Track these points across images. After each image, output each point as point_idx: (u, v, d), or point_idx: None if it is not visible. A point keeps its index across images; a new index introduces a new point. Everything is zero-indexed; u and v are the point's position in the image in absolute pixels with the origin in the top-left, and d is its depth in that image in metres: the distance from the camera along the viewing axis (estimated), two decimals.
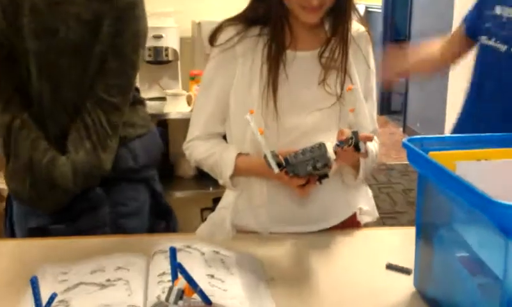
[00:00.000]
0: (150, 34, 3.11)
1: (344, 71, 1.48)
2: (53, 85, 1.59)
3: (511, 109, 1.83)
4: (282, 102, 1.46)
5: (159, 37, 3.25)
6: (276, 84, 1.45)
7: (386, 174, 5.41)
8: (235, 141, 1.51)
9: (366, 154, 1.38)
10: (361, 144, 1.33)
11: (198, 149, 1.55)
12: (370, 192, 1.68)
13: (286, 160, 1.35)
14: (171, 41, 3.29)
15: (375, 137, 1.56)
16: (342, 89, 1.48)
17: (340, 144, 1.34)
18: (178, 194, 3.14)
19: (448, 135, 1.59)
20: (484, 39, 1.90)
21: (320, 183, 1.40)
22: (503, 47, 1.81)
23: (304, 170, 1.35)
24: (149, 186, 1.81)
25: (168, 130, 3.35)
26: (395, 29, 7.72)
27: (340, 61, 1.48)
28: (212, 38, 1.52)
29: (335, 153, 1.34)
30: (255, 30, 1.49)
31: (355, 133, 1.33)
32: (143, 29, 1.64)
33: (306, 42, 1.50)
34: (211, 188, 3.18)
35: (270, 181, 1.50)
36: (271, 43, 1.46)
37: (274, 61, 1.45)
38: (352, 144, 1.33)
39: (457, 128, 2.04)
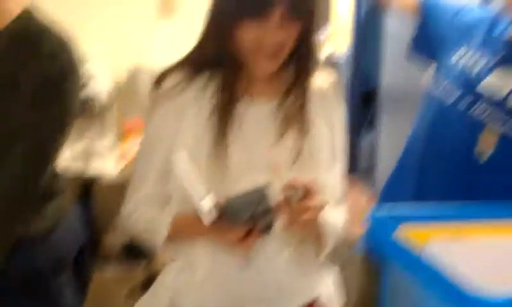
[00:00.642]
0: None
1: (303, 129, 1.47)
2: None
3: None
4: (233, 161, 1.43)
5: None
6: (226, 140, 1.42)
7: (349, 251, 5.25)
8: (178, 203, 1.46)
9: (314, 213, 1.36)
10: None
11: (141, 216, 1.50)
12: (334, 273, 1.62)
13: (222, 206, 1.32)
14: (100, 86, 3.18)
15: (336, 207, 1.53)
16: (300, 150, 1.46)
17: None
18: (100, 275, 3.02)
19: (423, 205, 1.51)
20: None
21: (265, 234, 1.37)
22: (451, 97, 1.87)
23: (242, 217, 1.32)
24: (53, 300, 1.62)
25: (90, 199, 3.15)
26: (363, 79, 7.62)
27: (300, 116, 1.47)
28: (157, 83, 1.49)
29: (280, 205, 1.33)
30: (203, 75, 1.47)
31: (300, 189, 1.32)
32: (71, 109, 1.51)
33: (264, 90, 1.49)
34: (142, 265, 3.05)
35: (216, 249, 1.44)
36: (222, 90, 1.45)
37: (225, 113, 1.43)
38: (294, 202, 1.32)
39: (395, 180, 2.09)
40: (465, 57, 1.90)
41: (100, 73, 3.19)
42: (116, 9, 3.37)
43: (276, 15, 1.35)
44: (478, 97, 1.83)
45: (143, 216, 1.50)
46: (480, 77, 1.84)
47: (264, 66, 1.42)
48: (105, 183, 3.04)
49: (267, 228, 1.37)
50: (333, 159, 1.53)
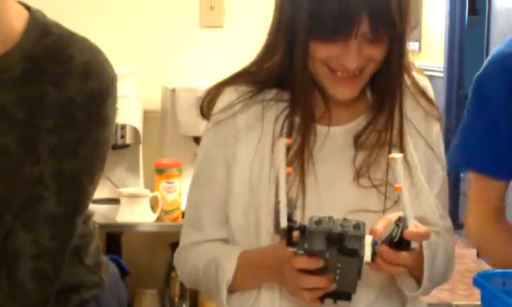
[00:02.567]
0: None
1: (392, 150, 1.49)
2: None
3: None
4: (307, 199, 1.47)
5: None
6: (302, 174, 1.47)
7: None
8: (238, 239, 1.53)
9: (416, 250, 1.37)
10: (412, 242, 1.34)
11: (198, 256, 1.56)
12: None
13: (302, 227, 1.34)
14: (129, 116, 3.14)
15: (446, 233, 1.55)
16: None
17: (375, 242, 1.35)
18: None
19: None
20: None
21: (335, 302, 1.38)
22: None
23: (320, 244, 1.32)
24: None
25: (121, 249, 3.18)
26: (464, 100, 7.44)
27: (387, 142, 1.50)
28: (206, 105, 1.56)
29: (373, 255, 1.34)
30: (268, 93, 1.52)
31: (402, 221, 1.33)
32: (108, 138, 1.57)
33: (342, 114, 1.54)
34: None
35: (284, 293, 1.48)
36: (296, 112, 1.50)
37: (303, 138, 1.48)
38: (397, 237, 1.33)
39: None
40: None
41: (130, 96, 3.15)
42: (149, 17, 3.43)
43: (358, 35, 1.39)
44: None
45: (204, 253, 1.55)
46: None
47: (343, 91, 1.47)
48: (136, 234, 3.12)
49: (344, 295, 1.38)
50: (432, 183, 1.55)
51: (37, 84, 1.48)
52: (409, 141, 1.54)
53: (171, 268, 2.96)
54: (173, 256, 1.64)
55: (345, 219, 1.34)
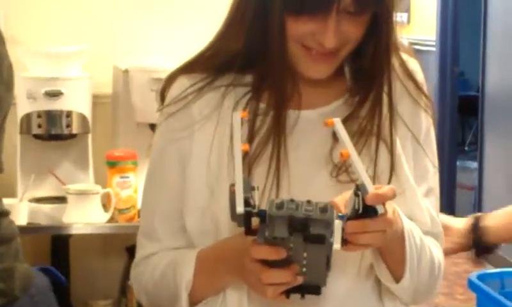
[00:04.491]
0: (40, 89, 3.11)
1: (387, 146, 1.52)
2: None
3: None
4: (279, 195, 1.48)
5: (54, 94, 3.16)
6: (277, 165, 1.49)
7: None
8: (198, 246, 1.54)
9: (386, 215, 1.38)
10: (378, 206, 1.35)
11: (155, 266, 1.56)
12: None
13: (262, 212, 1.34)
14: (76, 102, 3.19)
15: (436, 240, 1.58)
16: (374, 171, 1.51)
17: (341, 217, 1.36)
18: None
19: None
20: None
21: (302, 297, 1.39)
22: None
23: (282, 230, 1.33)
24: None
25: (69, 255, 3.17)
26: (459, 79, 7.61)
27: (372, 132, 1.53)
28: (162, 95, 1.58)
29: (343, 240, 1.35)
30: (225, 79, 1.54)
31: (361, 189, 1.35)
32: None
33: (313, 96, 1.55)
34: None
35: (252, 295, 1.48)
36: (261, 97, 1.52)
37: (275, 124, 1.50)
38: (360, 207, 1.34)
39: None
40: None
41: (76, 79, 3.23)
42: None
43: (339, 9, 1.41)
44: None
45: (160, 261, 1.56)
46: None
47: (317, 70, 1.49)
48: (87, 237, 3.09)
49: (313, 289, 1.38)
50: (420, 180, 1.57)
51: None
52: (394, 132, 1.56)
53: (127, 275, 2.90)
54: (129, 261, 1.65)
55: (308, 202, 1.36)
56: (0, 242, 1.74)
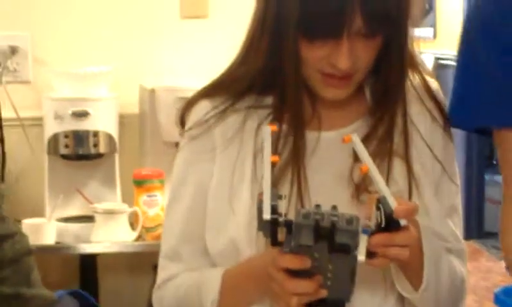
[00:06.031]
0: (67, 109, 3.13)
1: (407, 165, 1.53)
2: None
3: None
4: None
5: (81, 115, 3.16)
6: (298, 185, 1.49)
7: None
8: (215, 258, 1.55)
9: (408, 228, 1.37)
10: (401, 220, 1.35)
11: (177, 287, 1.57)
12: None
13: (289, 222, 1.34)
14: (103, 122, 3.21)
15: (459, 258, 1.57)
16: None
17: (365, 231, 1.36)
18: None
19: None
20: None
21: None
22: None
23: (307, 238, 1.32)
24: None
25: (97, 274, 3.19)
26: None
27: (388, 146, 1.52)
28: (181, 118, 1.59)
29: (368, 253, 1.36)
30: (246, 101, 1.54)
31: (382, 203, 1.35)
32: None
33: (333, 117, 1.56)
34: None
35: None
36: (282, 118, 1.52)
37: (294, 145, 1.50)
38: (383, 221, 1.34)
39: None
40: None
41: (103, 99, 3.24)
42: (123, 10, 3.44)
43: (350, 32, 1.42)
44: None
45: (184, 281, 1.56)
46: None
47: (333, 92, 1.49)
48: (114, 256, 3.12)
49: (337, 302, 1.38)
50: (442, 199, 1.56)
51: None
52: (414, 152, 1.55)
53: None
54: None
55: (334, 207, 1.36)
56: (7, 262, 1.74)
